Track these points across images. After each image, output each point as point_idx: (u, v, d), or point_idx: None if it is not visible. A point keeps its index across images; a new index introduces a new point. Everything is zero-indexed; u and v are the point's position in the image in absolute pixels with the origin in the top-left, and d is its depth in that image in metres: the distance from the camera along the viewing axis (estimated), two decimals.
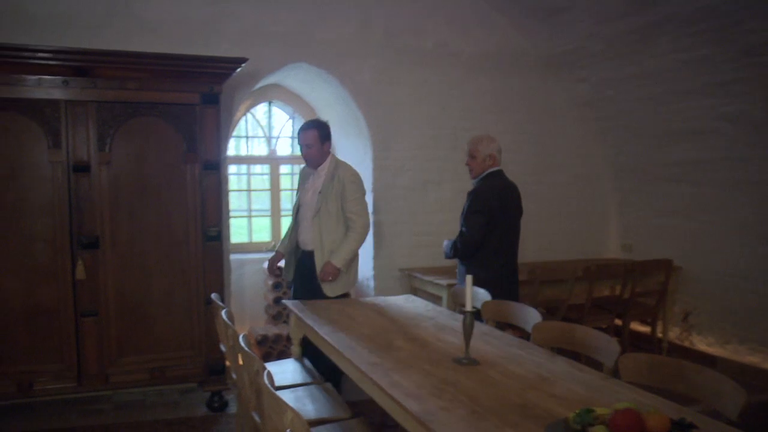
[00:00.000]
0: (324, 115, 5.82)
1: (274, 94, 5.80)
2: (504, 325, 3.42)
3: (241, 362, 2.52)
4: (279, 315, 5.41)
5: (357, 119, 5.42)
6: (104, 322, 4.03)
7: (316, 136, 4.00)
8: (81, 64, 3.75)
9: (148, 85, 3.90)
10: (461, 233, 3.92)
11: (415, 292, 5.25)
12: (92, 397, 4.25)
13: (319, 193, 4.02)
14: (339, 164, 4.11)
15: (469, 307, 2.49)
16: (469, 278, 2.51)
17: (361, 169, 5.46)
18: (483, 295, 3.52)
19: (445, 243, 4.10)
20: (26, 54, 3.65)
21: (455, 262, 4.19)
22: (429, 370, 2.42)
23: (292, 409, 1.61)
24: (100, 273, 3.99)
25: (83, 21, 4.46)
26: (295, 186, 6.11)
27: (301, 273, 4.22)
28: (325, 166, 4.09)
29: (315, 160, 4.07)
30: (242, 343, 2.38)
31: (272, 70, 5.02)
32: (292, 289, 4.38)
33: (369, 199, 5.43)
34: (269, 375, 1.95)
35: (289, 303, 3.79)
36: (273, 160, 5.92)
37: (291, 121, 6.02)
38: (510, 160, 4.54)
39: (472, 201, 3.88)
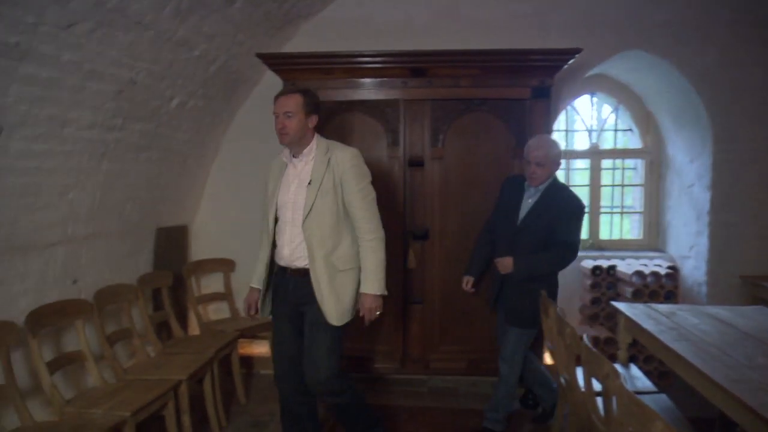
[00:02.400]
0: (653, 106, 5.45)
1: (596, 84, 5.60)
2: None
3: (576, 363, 2.48)
4: (595, 316, 5.23)
5: (695, 108, 4.96)
6: (428, 310, 4.33)
7: (299, 103, 3.01)
8: (418, 65, 4.06)
9: (480, 81, 4.05)
10: (569, 243, 3.50)
11: (760, 302, 4.63)
12: (410, 379, 4.57)
13: (308, 185, 3.02)
14: (331, 145, 3.12)
15: None
16: None
17: (699, 163, 5.01)
18: None
19: (535, 262, 3.53)
20: (369, 59, 4.08)
21: None
22: None
23: (662, 420, 1.52)
24: (427, 263, 4.29)
25: (416, 25, 4.84)
26: (617, 180, 5.91)
27: (283, 301, 3.16)
28: (312, 150, 3.09)
29: (292, 136, 3.01)
30: (587, 343, 2.34)
31: (602, 59, 4.86)
32: (274, 328, 3.26)
33: (704, 196, 4.95)
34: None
35: (620, 305, 3.63)
36: (595, 155, 5.73)
37: (614, 113, 5.76)
38: None
39: (572, 207, 3.51)
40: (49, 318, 3.22)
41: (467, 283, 3.86)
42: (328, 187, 3.00)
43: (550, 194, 3.52)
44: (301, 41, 4.93)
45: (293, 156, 3.12)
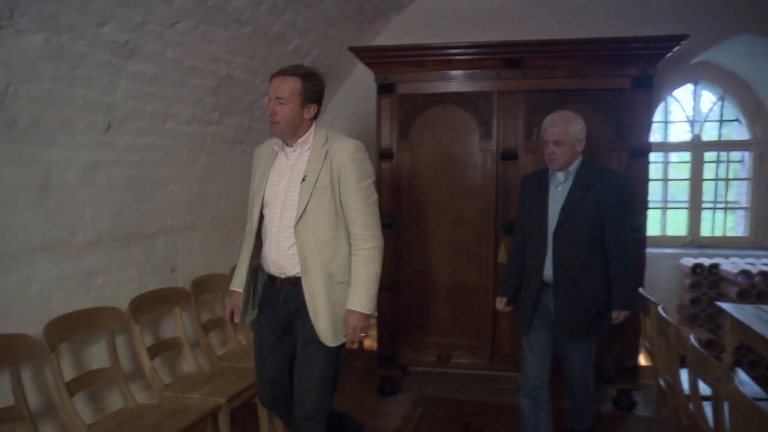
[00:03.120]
0: (764, 94, 5.13)
1: (700, 73, 5.34)
2: None
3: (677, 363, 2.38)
4: (695, 317, 5.01)
5: None
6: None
7: (296, 90, 2.52)
8: (512, 56, 3.98)
9: (577, 71, 3.93)
10: (625, 243, 3.13)
11: None
12: (499, 376, 4.53)
13: (302, 181, 2.57)
14: (331, 136, 2.65)
15: None
16: None
17: None
18: None
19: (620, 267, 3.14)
20: (462, 50, 4.03)
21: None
22: None
23: None
24: None
25: (510, 14, 4.76)
26: (720, 174, 5.62)
27: (272, 315, 2.74)
28: (308, 140, 2.62)
29: (283, 126, 2.56)
30: (695, 344, 2.24)
31: (709, 45, 4.63)
32: (256, 345, 2.84)
33: None
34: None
35: (726, 306, 3.46)
36: (697, 147, 5.46)
37: (719, 103, 5.47)
38: None
39: (618, 183, 3.15)
40: (150, 305, 3.38)
41: (500, 303, 3.47)
42: (324, 184, 2.55)
43: (585, 174, 3.10)
44: (391, 34, 4.94)
45: (286, 144, 2.65)
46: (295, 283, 2.61)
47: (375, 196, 2.65)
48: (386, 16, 4.79)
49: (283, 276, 2.63)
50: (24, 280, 2.73)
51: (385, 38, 4.93)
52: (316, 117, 2.63)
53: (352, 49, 4.11)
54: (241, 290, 2.78)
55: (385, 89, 4.16)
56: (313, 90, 2.57)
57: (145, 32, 2.75)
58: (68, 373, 2.83)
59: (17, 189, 2.60)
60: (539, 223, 3.15)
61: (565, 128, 3.04)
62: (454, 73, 4.12)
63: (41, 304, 2.83)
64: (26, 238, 2.69)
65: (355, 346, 2.74)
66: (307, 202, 2.53)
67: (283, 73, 2.56)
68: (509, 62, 4.00)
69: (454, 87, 4.14)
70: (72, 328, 2.87)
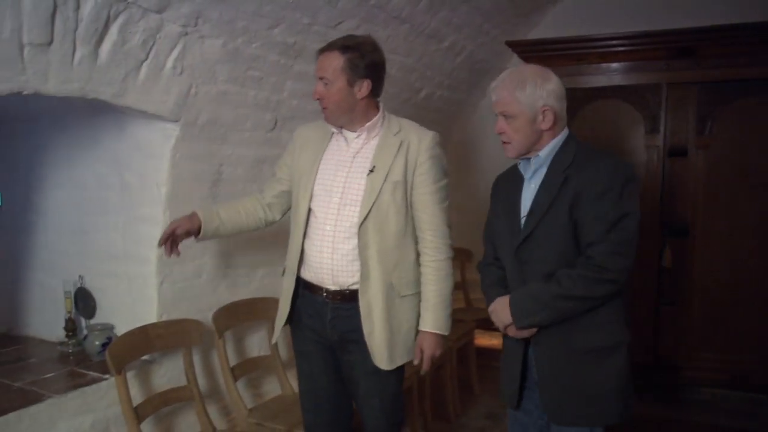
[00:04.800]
0: None
1: None
2: None
3: None
4: None
5: None
6: (684, 313, 4.05)
7: (338, 66, 2.14)
8: (684, 45, 3.77)
9: (761, 59, 3.63)
10: (596, 245, 1.91)
11: None
12: (659, 386, 4.30)
13: (370, 173, 2.19)
14: (404, 125, 2.27)
15: None
16: None
17: None
18: None
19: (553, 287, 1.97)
20: (627, 41, 3.88)
21: None
22: None
23: None
24: (686, 263, 4.00)
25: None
26: None
27: (317, 336, 2.33)
28: (376, 125, 2.25)
29: (332, 110, 2.20)
30: None
31: None
32: (302, 372, 2.44)
33: None
34: None
35: None
36: None
37: None
38: None
39: (604, 174, 1.93)
40: None
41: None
42: (396, 179, 2.18)
43: (563, 160, 2.01)
44: (547, 28, 4.83)
45: (344, 128, 2.27)
46: (349, 298, 2.22)
47: (449, 200, 2.30)
48: (542, 10, 4.69)
49: (332, 288, 2.23)
50: (196, 269, 2.96)
51: (540, 31, 4.83)
52: (375, 95, 2.24)
53: (509, 44, 4.07)
54: (201, 214, 2.34)
55: None
56: (363, 64, 2.15)
57: (311, 33, 2.89)
58: (231, 359, 3.02)
59: (194, 183, 2.82)
60: (510, 233, 2.11)
61: (514, 93, 1.98)
62: (617, 65, 3.99)
63: (210, 292, 3.05)
64: None
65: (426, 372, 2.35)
66: (375, 199, 2.16)
67: (324, 49, 2.20)
68: (680, 51, 3.80)
69: (617, 80, 4.00)
70: (237, 316, 3.07)
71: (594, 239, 1.90)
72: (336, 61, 2.13)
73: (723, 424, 3.84)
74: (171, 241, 2.30)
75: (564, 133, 2.04)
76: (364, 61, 2.15)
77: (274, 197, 2.47)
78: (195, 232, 2.33)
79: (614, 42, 3.90)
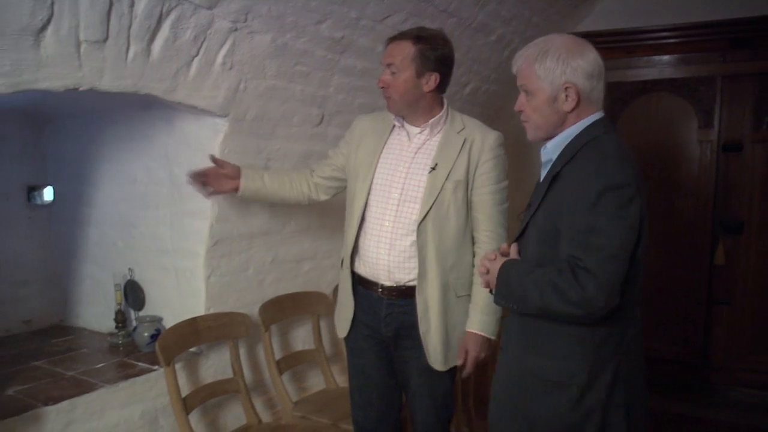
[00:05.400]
0: None
1: None
2: None
3: None
4: None
5: None
6: (738, 313, 3.97)
7: (409, 54, 2.13)
8: (742, 35, 3.68)
9: None
10: (583, 265, 1.58)
11: None
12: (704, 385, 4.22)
13: (433, 170, 2.18)
14: (468, 122, 2.25)
15: None
16: None
17: None
18: None
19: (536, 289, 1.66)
20: (680, 32, 3.80)
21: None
22: None
23: None
24: (740, 261, 3.92)
25: None
26: None
27: (371, 331, 2.34)
28: (440, 121, 2.23)
29: (396, 101, 2.18)
30: None
31: None
32: (353, 367, 2.47)
33: None
34: None
35: None
36: None
37: None
38: None
39: (589, 182, 1.61)
40: None
41: None
42: (459, 178, 2.16)
43: (566, 155, 1.72)
44: (597, 20, 4.75)
45: (407, 122, 2.27)
46: (404, 293, 2.22)
47: (508, 203, 2.27)
48: (591, 2, 4.61)
49: (387, 283, 2.24)
50: (243, 263, 3.00)
51: (590, 23, 4.74)
52: (441, 90, 2.23)
53: None
54: (245, 171, 2.46)
55: None
56: (434, 56, 2.14)
57: (358, 27, 2.88)
58: (276, 353, 3.05)
59: None
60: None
61: (532, 66, 1.71)
62: (669, 58, 3.91)
63: (256, 286, 3.08)
64: (246, 224, 2.94)
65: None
66: (436, 197, 2.15)
67: (396, 37, 2.20)
68: (737, 42, 3.72)
69: (668, 73, 3.92)
70: (282, 310, 3.10)
71: (569, 252, 1.60)
72: (407, 49, 2.13)
73: None
74: (203, 179, 2.44)
75: (590, 119, 1.72)
76: (435, 53, 2.14)
77: (323, 178, 2.50)
78: (234, 186, 2.44)
79: (667, 34, 3.82)
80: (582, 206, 1.58)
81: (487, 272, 1.80)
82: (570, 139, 1.72)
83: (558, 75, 1.68)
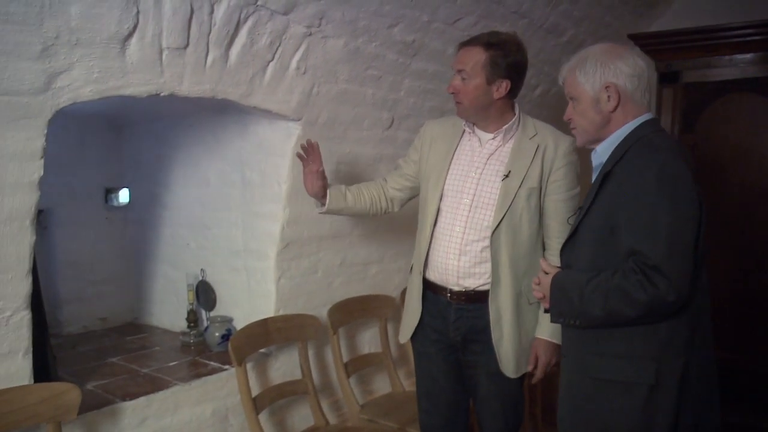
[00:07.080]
0: None
1: None
2: None
3: None
4: None
5: None
6: None
7: (480, 60, 2.10)
8: None
9: None
10: (651, 263, 1.58)
11: None
12: None
13: (506, 177, 2.17)
14: (540, 127, 2.23)
15: None
16: None
17: None
18: None
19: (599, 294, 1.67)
20: (762, 30, 3.65)
21: None
22: None
23: None
24: None
25: None
26: None
27: (438, 335, 2.33)
28: (513, 127, 2.21)
29: (466, 106, 2.17)
30: None
31: None
32: (420, 372, 2.45)
33: None
34: None
35: None
36: None
37: None
38: None
39: (643, 176, 1.63)
40: None
41: None
42: (532, 185, 2.16)
43: (616, 155, 1.75)
44: (672, 18, 4.64)
45: (478, 128, 2.26)
46: (474, 298, 2.22)
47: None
48: (667, 1, 4.51)
49: (457, 288, 2.24)
50: (312, 265, 3.05)
51: (665, 22, 4.64)
52: (512, 96, 2.21)
53: (632, 37, 3.93)
54: (330, 191, 2.40)
55: (667, 78, 3.92)
56: (505, 63, 2.11)
57: (430, 31, 2.91)
58: (344, 355, 3.09)
59: None
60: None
61: (575, 73, 1.80)
62: (752, 56, 3.76)
63: (325, 288, 3.14)
64: (315, 228, 3.00)
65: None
66: (510, 204, 2.14)
67: (467, 42, 2.18)
68: None
69: (751, 72, 3.77)
70: (350, 313, 3.15)
71: (632, 246, 1.62)
72: (478, 56, 2.11)
73: None
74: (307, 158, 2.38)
75: (638, 120, 1.76)
76: (507, 60, 2.12)
77: (397, 190, 2.50)
78: (316, 189, 2.38)
79: (749, 31, 3.67)
80: (640, 198, 1.62)
81: (539, 283, 1.86)
82: (620, 141, 1.75)
83: (598, 77, 1.74)
